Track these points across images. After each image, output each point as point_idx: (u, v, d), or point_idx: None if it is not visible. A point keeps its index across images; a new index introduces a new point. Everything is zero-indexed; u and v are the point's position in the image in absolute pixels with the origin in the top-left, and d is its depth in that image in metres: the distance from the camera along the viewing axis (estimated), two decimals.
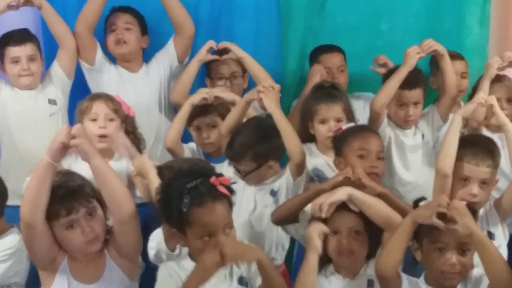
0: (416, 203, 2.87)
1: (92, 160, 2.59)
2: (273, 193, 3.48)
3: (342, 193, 2.84)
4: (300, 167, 3.41)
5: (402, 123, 3.94)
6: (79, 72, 4.20)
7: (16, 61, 3.96)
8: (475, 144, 3.27)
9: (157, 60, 4.23)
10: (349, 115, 3.73)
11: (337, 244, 2.84)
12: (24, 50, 3.95)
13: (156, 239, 3.03)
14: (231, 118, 3.63)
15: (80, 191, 2.68)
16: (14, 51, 3.96)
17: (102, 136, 3.55)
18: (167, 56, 4.21)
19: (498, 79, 3.94)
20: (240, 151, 3.43)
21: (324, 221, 2.82)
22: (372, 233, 2.86)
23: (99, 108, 3.57)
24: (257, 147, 3.42)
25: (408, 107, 3.88)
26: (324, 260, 2.86)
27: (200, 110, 3.78)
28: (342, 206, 2.85)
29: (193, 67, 4.06)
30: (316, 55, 4.28)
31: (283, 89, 3.97)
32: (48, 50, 4.19)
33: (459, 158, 3.23)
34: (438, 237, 2.69)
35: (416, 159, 3.95)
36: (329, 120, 3.70)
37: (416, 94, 3.87)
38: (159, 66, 4.21)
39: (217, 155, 3.83)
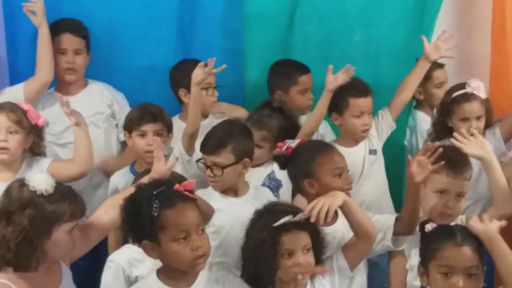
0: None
1: None
2: None
3: (340, 199, 2.86)
4: None
5: (358, 134, 3.91)
6: None
7: None
8: (452, 157, 3.19)
9: None
10: (278, 139, 3.63)
11: (293, 264, 2.75)
12: None
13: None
14: (194, 114, 3.66)
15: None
16: None
17: (2, 149, 3.45)
18: None
19: (466, 98, 3.87)
20: (223, 140, 3.38)
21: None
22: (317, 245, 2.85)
23: (1, 121, 3.45)
24: (239, 139, 3.41)
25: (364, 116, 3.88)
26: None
27: (150, 117, 3.72)
28: (295, 226, 2.76)
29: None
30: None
31: (244, 101, 4.11)
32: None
33: (436, 170, 3.14)
34: (444, 260, 2.64)
35: None
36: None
37: (370, 102, 3.88)
38: None
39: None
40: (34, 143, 3.55)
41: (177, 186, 2.62)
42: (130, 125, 3.78)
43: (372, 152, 3.96)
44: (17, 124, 3.46)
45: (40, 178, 2.60)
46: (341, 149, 3.51)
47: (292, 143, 3.32)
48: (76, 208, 2.63)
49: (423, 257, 2.74)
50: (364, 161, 3.93)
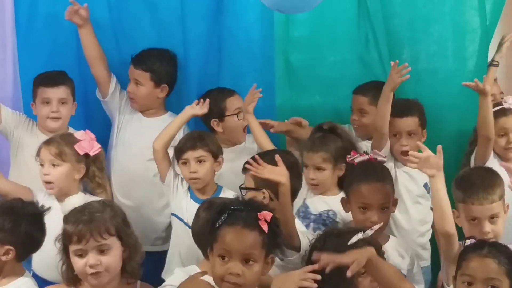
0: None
1: None
2: None
3: (364, 255, 2.67)
4: None
5: (398, 155, 3.90)
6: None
7: (46, 102, 3.99)
8: (474, 183, 3.19)
9: None
10: (338, 159, 3.66)
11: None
12: (56, 92, 3.98)
13: None
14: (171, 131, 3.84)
15: (99, 224, 2.75)
16: (46, 92, 3.99)
17: (46, 182, 3.57)
18: None
19: (502, 113, 3.89)
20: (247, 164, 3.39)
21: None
22: None
23: (43, 155, 3.57)
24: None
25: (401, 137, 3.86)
26: None
27: (190, 144, 3.75)
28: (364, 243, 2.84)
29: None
30: None
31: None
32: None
33: (462, 200, 3.17)
34: (467, 270, 2.69)
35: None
36: (309, 166, 3.69)
37: (409, 122, 3.85)
38: None
39: (202, 193, 3.78)
40: (90, 172, 3.62)
41: (262, 212, 2.61)
42: (175, 154, 3.80)
43: (426, 186, 3.82)
44: (57, 156, 3.54)
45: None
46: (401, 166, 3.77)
47: (359, 158, 3.43)
48: (80, 233, 2.71)
49: (456, 268, 2.77)
50: (412, 185, 3.88)
